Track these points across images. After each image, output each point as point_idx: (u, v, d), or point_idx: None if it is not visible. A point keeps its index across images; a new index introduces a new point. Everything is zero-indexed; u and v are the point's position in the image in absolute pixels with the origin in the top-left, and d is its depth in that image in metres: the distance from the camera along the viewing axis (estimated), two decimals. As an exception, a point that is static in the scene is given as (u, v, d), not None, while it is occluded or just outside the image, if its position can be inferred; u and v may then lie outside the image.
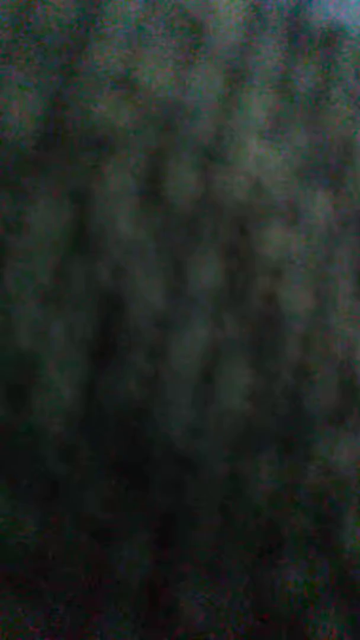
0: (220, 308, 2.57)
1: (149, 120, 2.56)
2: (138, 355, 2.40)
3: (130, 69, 2.57)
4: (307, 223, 2.83)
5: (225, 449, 2.49)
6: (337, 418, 2.73)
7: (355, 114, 3.05)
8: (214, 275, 2.58)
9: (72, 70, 2.46)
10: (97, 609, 2.21)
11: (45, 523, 2.18)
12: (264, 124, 2.80)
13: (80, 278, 2.35)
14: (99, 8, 2.55)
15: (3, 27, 2.37)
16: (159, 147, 2.56)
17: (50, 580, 2.16)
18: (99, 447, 2.28)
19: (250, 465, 2.53)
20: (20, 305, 2.24)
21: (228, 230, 2.64)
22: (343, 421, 2.74)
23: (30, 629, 2.12)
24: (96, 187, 2.43)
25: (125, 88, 2.55)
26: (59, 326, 2.29)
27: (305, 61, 2.96)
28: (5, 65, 2.35)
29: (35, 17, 2.43)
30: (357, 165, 2.99)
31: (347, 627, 2.60)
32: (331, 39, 3.05)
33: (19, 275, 2.26)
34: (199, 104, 2.68)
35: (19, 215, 2.29)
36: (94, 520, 2.24)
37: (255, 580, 2.47)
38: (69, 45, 2.47)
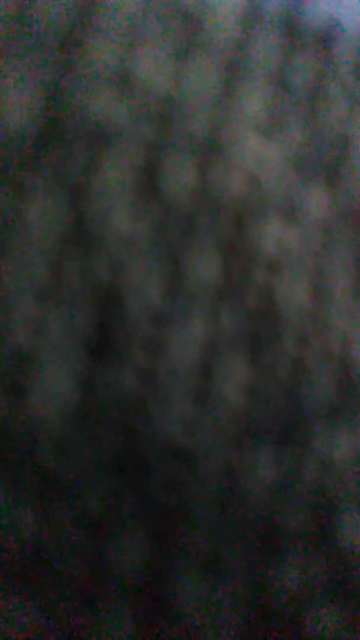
0: (217, 303, 2.57)
1: (146, 115, 2.56)
2: (135, 350, 2.40)
3: (128, 64, 2.57)
4: (305, 218, 2.84)
5: (223, 444, 2.49)
6: (334, 412, 2.73)
7: (352, 110, 3.06)
8: (211, 270, 2.59)
9: (69, 66, 2.47)
10: (94, 604, 2.21)
11: (42, 518, 2.18)
12: (261, 119, 2.80)
13: (77, 273, 2.35)
14: (96, 3, 2.55)
15: (0, 22, 2.37)
16: (156, 142, 2.56)
17: (48, 576, 2.16)
18: (96, 442, 2.29)
19: (247, 459, 2.53)
20: (17, 301, 2.25)
21: (225, 225, 2.64)
22: (340, 416, 2.75)
23: (28, 623, 2.12)
24: (93, 182, 2.43)
25: (123, 83, 2.55)
26: (56, 321, 2.30)
27: (303, 57, 2.97)
28: (1, 60, 2.36)
29: (33, 12, 2.43)
30: (354, 161, 3.00)
31: (344, 623, 2.61)
32: (328, 35, 3.06)
33: (16, 271, 2.26)
34: (196, 99, 2.68)
35: (15, 211, 2.30)
36: (91, 515, 2.25)
37: (253, 576, 2.47)
38: (66, 41, 2.48)
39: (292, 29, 2.96)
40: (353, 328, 2.83)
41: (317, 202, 2.88)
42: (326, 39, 3.05)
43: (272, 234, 2.74)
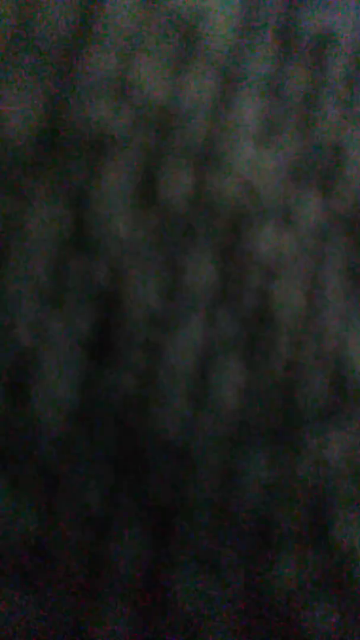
0: (214, 306, 2.58)
1: (145, 123, 2.57)
2: (135, 352, 2.40)
3: (126, 74, 2.57)
4: (299, 224, 2.85)
5: (219, 443, 2.49)
6: (328, 413, 2.74)
7: (345, 118, 3.07)
8: (208, 274, 2.59)
9: (69, 76, 2.46)
10: (93, 600, 2.20)
11: (43, 516, 2.17)
12: (257, 127, 2.81)
13: (78, 277, 2.35)
14: (95, 14, 2.55)
15: (2, 33, 2.37)
16: (155, 149, 2.57)
17: (48, 572, 2.15)
18: (96, 442, 2.28)
19: (243, 459, 2.53)
20: (19, 303, 2.24)
21: (222, 231, 2.65)
22: (334, 416, 2.76)
23: (29, 618, 2.10)
24: (94, 189, 2.43)
25: (122, 92, 2.55)
26: (57, 324, 2.29)
27: (296, 66, 2.98)
28: (4, 70, 2.35)
29: (34, 23, 2.43)
30: (347, 168, 3.01)
31: (339, 619, 2.61)
32: (321, 44, 3.07)
33: (18, 275, 2.25)
34: (193, 107, 2.68)
35: (18, 217, 2.29)
36: (92, 513, 2.23)
37: (249, 572, 2.47)
38: (67, 51, 2.47)
39: (286, 39, 2.97)
40: (346, 331, 2.84)
41: (311, 208, 2.89)
42: (319, 48, 3.06)
43: (268, 240, 2.75)
